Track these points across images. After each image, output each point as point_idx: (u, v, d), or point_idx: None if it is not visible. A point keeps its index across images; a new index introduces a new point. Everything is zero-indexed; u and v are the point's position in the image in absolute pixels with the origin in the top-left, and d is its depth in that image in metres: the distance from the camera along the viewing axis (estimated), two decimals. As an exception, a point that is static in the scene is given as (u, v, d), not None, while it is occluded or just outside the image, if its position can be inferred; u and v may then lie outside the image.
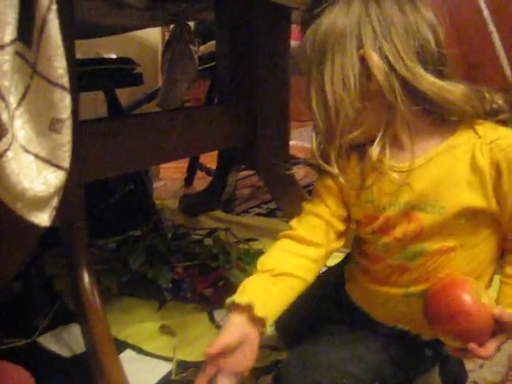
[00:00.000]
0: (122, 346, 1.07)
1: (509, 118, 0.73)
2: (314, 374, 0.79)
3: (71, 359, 1.03)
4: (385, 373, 0.83)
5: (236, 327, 0.73)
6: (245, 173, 2.23)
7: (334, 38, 0.73)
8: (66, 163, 0.57)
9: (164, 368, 1.01)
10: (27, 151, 0.55)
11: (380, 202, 0.76)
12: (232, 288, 1.21)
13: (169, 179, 2.51)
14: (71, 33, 0.85)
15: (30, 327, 1.12)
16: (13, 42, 0.51)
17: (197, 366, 0.99)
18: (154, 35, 2.40)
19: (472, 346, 0.68)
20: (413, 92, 0.70)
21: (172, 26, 1.99)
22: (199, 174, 2.42)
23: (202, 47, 2.11)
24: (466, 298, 0.69)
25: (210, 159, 2.24)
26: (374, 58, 0.70)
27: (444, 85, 0.69)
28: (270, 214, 1.89)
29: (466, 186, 0.70)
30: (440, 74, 0.71)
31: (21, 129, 0.55)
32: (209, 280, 1.24)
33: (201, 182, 2.33)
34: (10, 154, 0.51)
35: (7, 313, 1.15)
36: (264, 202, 2.03)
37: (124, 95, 1.99)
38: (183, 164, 2.42)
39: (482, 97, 0.72)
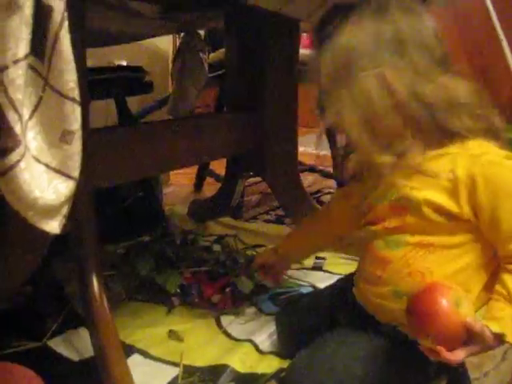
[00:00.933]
0: (129, 350, 1.08)
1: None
2: (320, 376, 0.83)
3: (80, 363, 1.05)
4: (390, 375, 0.85)
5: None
6: (253, 179, 2.24)
7: (353, 58, 0.77)
8: (76, 173, 0.59)
9: (171, 373, 1.02)
10: (39, 161, 0.57)
11: (372, 198, 0.86)
12: (239, 294, 1.24)
13: (178, 185, 2.53)
14: (82, 45, 0.87)
15: (39, 331, 1.13)
16: (26, 56, 0.53)
17: (203, 371, 1.01)
18: (164, 43, 2.42)
19: (440, 348, 0.71)
20: (431, 103, 0.75)
21: (182, 35, 2.02)
22: (208, 179, 2.44)
23: (212, 55, 2.13)
24: (442, 302, 0.73)
25: (219, 165, 2.25)
26: (393, 76, 0.75)
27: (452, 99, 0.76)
28: (278, 220, 1.90)
29: (438, 189, 0.77)
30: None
31: (33, 140, 0.57)
32: (216, 286, 1.25)
33: (210, 188, 2.34)
34: (22, 164, 0.53)
35: (18, 317, 1.17)
36: (272, 208, 2.04)
37: (134, 102, 2.01)
38: (193, 170, 2.43)
39: (481, 115, 0.78)
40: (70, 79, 0.56)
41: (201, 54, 1.92)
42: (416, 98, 0.76)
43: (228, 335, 1.15)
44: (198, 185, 2.43)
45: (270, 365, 1.04)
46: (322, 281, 1.34)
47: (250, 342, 1.09)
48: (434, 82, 0.76)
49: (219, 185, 2.02)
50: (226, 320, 1.21)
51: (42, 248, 0.85)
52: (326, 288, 1.11)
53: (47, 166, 0.57)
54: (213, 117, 1.84)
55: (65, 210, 0.60)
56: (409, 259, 0.80)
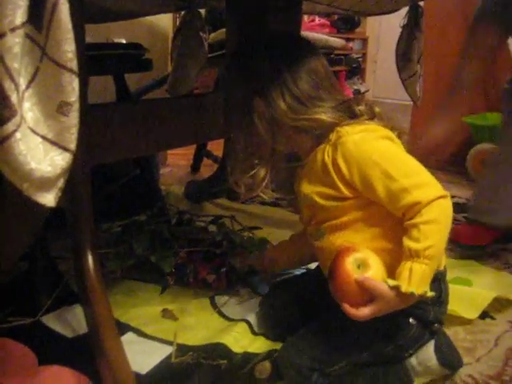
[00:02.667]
0: (124, 328, 1.09)
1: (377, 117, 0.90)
2: (310, 356, 0.88)
3: (74, 339, 1.05)
4: (376, 347, 0.90)
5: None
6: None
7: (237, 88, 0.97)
8: (73, 145, 0.58)
9: (165, 351, 1.02)
10: (35, 133, 0.56)
11: (298, 200, 0.97)
12: (235, 274, 1.24)
13: (175, 166, 2.52)
14: (81, 17, 0.86)
15: (34, 307, 1.13)
16: (23, 24, 0.52)
17: (196, 351, 1.01)
18: (164, 21, 2.39)
19: (344, 305, 0.80)
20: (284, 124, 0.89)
21: (183, 13, 1.99)
22: (206, 161, 2.43)
23: (212, 35, 2.10)
24: (341, 263, 0.82)
25: (217, 146, 2.24)
26: (257, 105, 0.89)
27: (306, 117, 0.88)
28: (274, 203, 1.90)
29: (320, 180, 0.88)
30: (312, 103, 0.88)
31: (29, 110, 0.55)
32: (211, 266, 1.25)
33: (207, 169, 2.34)
34: (18, 134, 0.52)
35: (12, 292, 1.17)
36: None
37: (133, 80, 1.99)
38: (190, 151, 2.42)
39: (349, 106, 0.89)
40: (68, 49, 0.55)
41: (201, 34, 1.90)
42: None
43: (222, 315, 1.15)
44: (195, 166, 2.43)
45: (263, 345, 1.04)
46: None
47: (244, 321, 1.09)
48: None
49: (216, 166, 2.01)
50: (220, 300, 1.21)
51: (38, 223, 0.84)
52: (311, 272, 1.15)
53: (44, 137, 0.56)
54: (212, 96, 1.82)
55: (61, 182, 0.59)
56: (332, 241, 0.90)
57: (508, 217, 1.39)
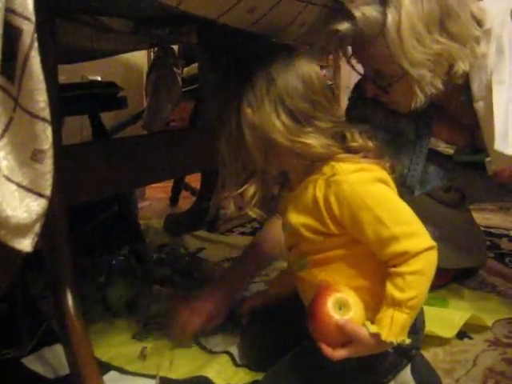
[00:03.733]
0: (106, 368, 1.07)
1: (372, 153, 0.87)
2: None
3: (55, 380, 1.04)
4: (354, 379, 0.90)
5: None
6: (229, 192, 2.25)
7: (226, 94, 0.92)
8: (48, 191, 0.60)
9: (148, 386, 1.02)
10: (10, 180, 0.57)
11: (283, 226, 0.97)
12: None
13: (154, 199, 2.53)
14: (54, 61, 0.88)
15: (15, 348, 1.12)
16: (-4, 77, 0.54)
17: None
18: (139, 57, 2.42)
19: (321, 344, 0.81)
20: (274, 145, 0.86)
21: (156, 49, 2.03)
22: (184, 193, 2.44)
23: (186, 69, 2.15)
24: (323, 303, 0.82)
25: (195, 178, 2.26)
26: (246, 116, 0.86)
27: (296, 139, 0.85)
28: (254, 232, 1.92)
29: (308, 213, 0.87)
30: (306, 119, 0.85)
31: (4, 159, 0.57)
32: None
33: (186, 201, 2.34)
34: (-7, 183, 0.54)
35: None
36: (248, 221, 2.06)
37: (109, 117, 2.01)
38: (168, 184, 2.44)
39: (343, 137, 0.88)
40: (40, 99, 0.57)
41: (175, 69, 1.94)
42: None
43: (203, 348, 1.15)
44: (174, 199, 2.44)
45: (246, 377, 1.04)
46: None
47: (225, 353, 1.09)
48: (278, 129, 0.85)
49: (195, 198, 2.03)
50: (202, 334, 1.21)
51: (15, 265, 0.85)
52: (287, 301, 1.11)
53: (18, 184, 0.58)
54: (187, 131, 1.85)
55: (37, 228, 0.61)
56: (314, 273, 0.89)
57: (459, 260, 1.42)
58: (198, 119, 2.05)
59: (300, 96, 0.85)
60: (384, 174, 0.86)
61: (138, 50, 2.11)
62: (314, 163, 0.87)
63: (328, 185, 0.84)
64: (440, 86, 1.06)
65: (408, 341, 0.80)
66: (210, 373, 1.03)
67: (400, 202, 0.84)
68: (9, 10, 0.54)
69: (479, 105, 1.10)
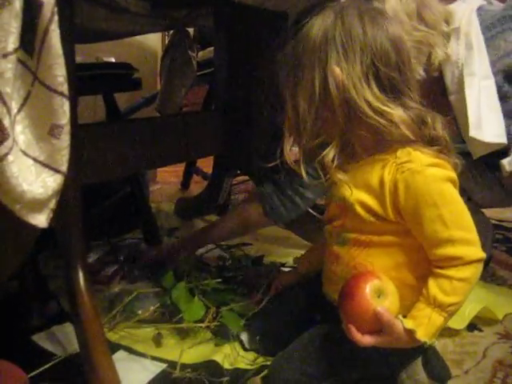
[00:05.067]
0: (115, 347, 1.08)
1: (445, 148, 0.84)
2: (300, 370, 0.88)
3: (65, 358, 1.05)
4: (368, 366, 0.90)
5: None
6: (240, 178, 2.24)
7: (307, 52, 0.84)
8: (64, 167, 0.60)
9: (157, 367, 1.02)
10: (27, 155, 0.57)
11: (329, 196, 0.93)
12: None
13: (165, 183, 2.53)
14: (71, 39, 0.87)
15: (25, 326, 1.13)
16: (16, 50, 0.53)
17: (191, 367, 1.01)
18: (153, 40, 2.42)
19: (349, 326, 0.79)
20: (358, 112, 0.81)
21: (171, 32, 2.02)
22: (195, 177, 2.44)
23: (201, 53, 2.13)
24: (361, 287, 0.80)
25: (206, 163, 2.26)
26: (334, 76, 0.81)
27: (385, 110, 0.80)
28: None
29: (369, 191, 0.84)
30: (393, 92, 0.82)
31: (21, 133, 0.57)
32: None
33: (197, 186, 2.34)
34: (10, 157, 0.53)
35: (3, 311, 1.17)
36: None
37: (123, 99, 2.01)
38: (180, 168, 2.43)
39: (424, 122, 0.84)
40: (59, 74, 0.57)
41: (189, 52, 1.93)
42: (344, 102, 0.81)
43: (213, 332, 1.15)
44: (185, 183, 2.43)
45: (253, 361, 1.04)
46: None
47: (235, 338, 1.10)
48: (360, 94, 0.80)
49: (206, 183, 2.02)
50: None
51: (29, 243, 0.85)
52: (300, 288, 1.11)
53: (35, 159, 0.58)
54: (200, 114, 1.84)
55: (52, 203, 0.61)
56: (353, 253, 0.88)
57: None
58: (212, 104, 2.04)
59: (390, 61, 0.81)
60: (454, 174, 0.83)
61: (153, 32, 2.11)
62: (386, 141, 0.83)
63: (401, 170, 0.81)
64: (422, 73, 1.13)
65: (437, 342, 0.80)
66: (218, 357, 1.03)
67: (464, 207, 0.81)
68: (29, -18, 0.53)
69: (452, 98, 1.18)
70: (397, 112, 0.80)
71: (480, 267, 0.79)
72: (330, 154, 0.84)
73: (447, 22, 1.18)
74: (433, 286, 0.79)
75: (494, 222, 1.66)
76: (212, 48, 1.94)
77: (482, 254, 0.79)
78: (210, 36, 1.99)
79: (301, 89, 0.84)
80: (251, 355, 1.07)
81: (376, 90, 0.80)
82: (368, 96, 0.80)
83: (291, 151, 0.88)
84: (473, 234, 0.80)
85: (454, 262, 0.78)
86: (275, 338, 1.04)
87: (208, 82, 2.15)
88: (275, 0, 0.90)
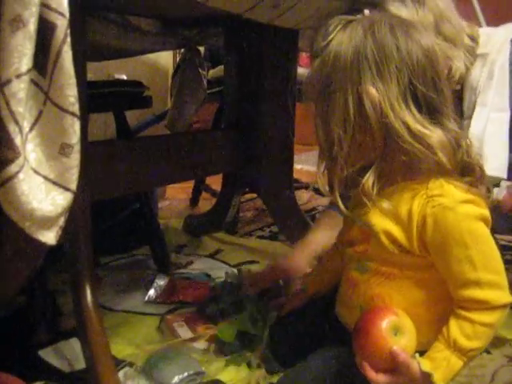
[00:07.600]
0: (121, 363, 1.08)
1: (478, 179, 0.79)
2: None
3: (71, 374, 1.05)
4: None
5: None
6: (249, 196, 2.25)
7: (337, 72, 0.78)
8: (74, 186, 0.60)
9: None
10: (37, 173, 0.58)
11: (351, 217, 0.85)
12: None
13: (174, 199, 2.53)
14: (83, 59, 0.89)
15: (32, 341, 1.14)
16: (29, 71, 0.54)
17: None
18: (165, 58, 2.44)
19: (363, 363, 0.76)
20: (395, 137, 0.75)
21: (182, 50, 2.04)
22: (204, 194, 2.45)
23: (211, 71, 2.15)
24: (378, 323, 0.76)
25: (215, 180, 2.26)
26: (370, 98, 0.75)
27: (425, 133, 0.74)
28: (272, 237, 1.91)
29: (396, 221, 0.78)
30: (431, 112, 0.76)
31: (32, 151, 0.58)
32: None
33: (206, 203, 2.34)
34: (21, 175, 0.54)
35: (10, 326, 1.17)
36: (267, 225, 2.05)
37: (133, 116, 2.03)
38: (189, 184, 2.44)
39: (459, 146, 0.77)
40: (70, 94, 0.58)
41: (200, 70, 1.94)
42: (383, 125, 0.76)
43: (221, 351, 1.15)
44: (194, 200, 2.44)
45: (261, 380, 1.04)
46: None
47: (240, 357, 1.09)
48: (399, 116, 0.75)
49: (215, 200, 2.03)
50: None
51: (37, 258, 0.86)
52: (312, 306, 1.07)
53: (45, 177, 0.58)
54: (210, 133, 1.86)
55: (61, 221, 0.61)
56: (372, 283, 0.83)
57: None
58: (222, 121, 2.05)
59: (426, 78, 0.76)
60: (487, 212, 0.78)
61: (164, 50, 2.12)
62: (418, 168, 0.78)
63: (431, 204, 0.75)
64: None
65: None
66: (223, 376, 1.03)
67: (495, 248, 0.77)
68: (44, 6, 0.55)
69: (465, 123, 1.14)
70: (436, 135, 0.75)
71: (504, 313, 0.76)
72: (369, 180, 0.78)
73: (472, 38, 1.13)
74: (454, 327, 0.75)
75: (503, 243, 1.65)
76: (222, 66, 1.95)
77: (508, 299, 0.75)
78: (220, 54, 2.01)
79: (332, 113, 0.78)
80: (258, 371, 1.05)
81: (415, 110, 0.75)
82: (407, 118, 0.74)
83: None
84: (501, 277, 0.76)
85: (479, 306, 0.74)
86: (294, 350, 1.00)
87: (218, 99, 2.17)
88: (285, 17, 0.91)
